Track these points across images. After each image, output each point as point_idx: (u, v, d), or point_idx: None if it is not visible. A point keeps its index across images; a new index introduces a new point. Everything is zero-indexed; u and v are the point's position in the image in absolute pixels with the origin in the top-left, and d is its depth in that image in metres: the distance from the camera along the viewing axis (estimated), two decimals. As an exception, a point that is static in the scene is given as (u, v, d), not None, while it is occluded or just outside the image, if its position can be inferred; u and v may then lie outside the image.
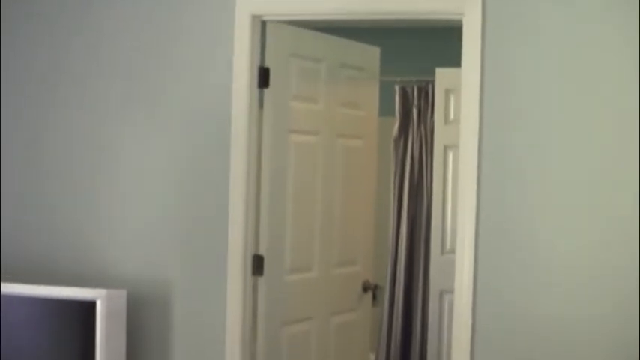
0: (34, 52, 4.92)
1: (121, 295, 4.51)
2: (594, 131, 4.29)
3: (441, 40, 7.82)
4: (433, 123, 7.19)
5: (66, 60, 4.88)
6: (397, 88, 7.52)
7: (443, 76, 6.80)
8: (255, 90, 4.73)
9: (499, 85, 4.39)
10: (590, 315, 4.30)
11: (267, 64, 4.80)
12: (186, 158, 4.75)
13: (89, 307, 4.45)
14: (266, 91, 4.80)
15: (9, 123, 4.96)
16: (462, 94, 4.45)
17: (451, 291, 6.57)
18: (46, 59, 4.91)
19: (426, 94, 7.44)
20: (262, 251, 4.82)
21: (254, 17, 4.68)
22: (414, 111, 7.44)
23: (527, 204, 4.37)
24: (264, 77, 4.77)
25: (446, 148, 6.78)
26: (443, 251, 6.78)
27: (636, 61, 4.23)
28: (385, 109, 7.66)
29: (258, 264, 4.80)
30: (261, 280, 4.82)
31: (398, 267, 7.50)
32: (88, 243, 4.87)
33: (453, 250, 6.68)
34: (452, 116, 6.76)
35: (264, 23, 4.76)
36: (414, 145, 7.44)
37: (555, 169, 4.34)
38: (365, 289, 5.57)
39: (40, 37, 4.91)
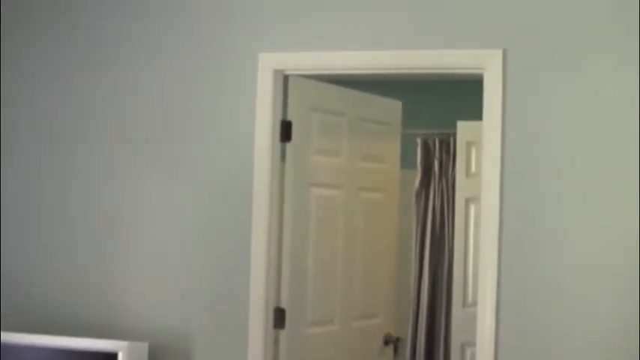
0: (56, 99, 4.98)
1: (143, 347, 4.51)
2: (616, 185, 4.29)
3: (463, 93, 7.86)
4: (454, 176, 7.20)
5: (90, 111, 4.93)
6: (419, 140, 7.54)
7: (464, 129, 6.82)
8: (277, 144, 4.76)
9: (520, 139, 4.41)
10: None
11: (290, 117, 4.84)
12: (210, 211, 4.77)
13: (111, 359, 4.45)
14: (288, 145, 4.83)
15: (31, 172, 5.00)
16: (483, 147, 4.46)
17: (473, 344, 6.54)
18: (69, 108, 4.96)
19: (448, 146, 7.46)
20: (284, 304, 4.82)
21: (276, 72, 4.72)
22: (436, 163, 7.46)
23: (549, 258, 4.36)
24: (286, 131, 4.81)
25: (467, 201, 6.78)
26: (465, 304, 6.76)
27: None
28: (407, 162, 7.68)
29: (279, 317, 4.79)
30: (282, 333, 4.82)
31: (419, 320, 7.47)
32: (111, 294, 4.88)
33: (474, 303, 6.65)
34: (473, 169, 6.76)
35: (286, 78, 4.81)
36: (436, 197, 7.44)
37: (577, 224, 4.34)
38: (386, 342, 5.55)
39: (61, 82, 4.97)
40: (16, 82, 5.02)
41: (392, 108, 5.58)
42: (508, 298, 4.41)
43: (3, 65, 5.03)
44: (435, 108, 7.95)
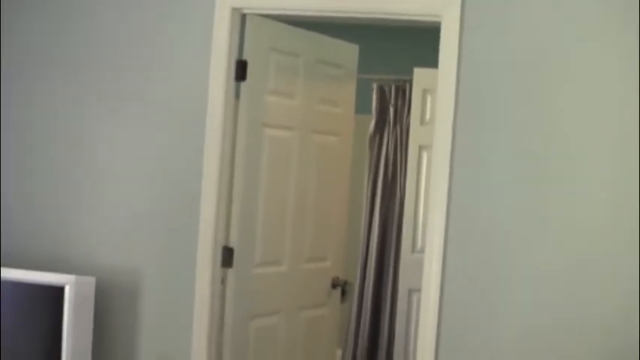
0: (13, 37, 4.92)
1: (90, 282, 4.51)
2: (570, 133, 4.33)
3: (421, 40, 7.85)
4: (409, 122, 7.21)
5: (49, 49, 4.87)
6: (375, 86, 7.54)
7: (421, 76, 6.82)
8: (232, 83, 4.74)
9: (475, 87, 4.42)
10: (556, 317, 4.35)
11: (245, 57, 4.81)
12: (161, 148, 4.75)
13: (58, 292, 4.45)
14: (243, 84, 4.81)
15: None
16: (437, 94, 4.47)
17: (420, 290, 6.60)
18: (28, 54, 4.90)
19: (403, 93, 7.46)
20: (232, 243, 4.83)
21: (234, 10, 4.68)
22: (391, 110, 7.47)
23: (498, 206, 4.40)
24: (241, 70, 4.78)
25: (421, 148, 6.81)
26: (413, 250, 6.81)
27: (621, 62, 4.28)
28: (362, 107, 7.68)
29: (227, 256, 4.81)
30: (230, 272, 4.83)
31: (368, 264, 7.52)
32: (61, 230, 4.86)
33: (423, 250, 6.70)
34: (428, 117, 6.78)
35: (243, 16, 4.77)
36: (390, 143, 7.46)
37: (528, 172, 4.37)
38: (334, 285, 5.59)
39: (20, 18, 4.90)
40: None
41: (349, 51, 5.56)
42: (455, 246, 4.45)
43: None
44: (393, 54, 7.94)
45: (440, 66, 4.47)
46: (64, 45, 4.85)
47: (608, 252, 4.29)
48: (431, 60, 6.98)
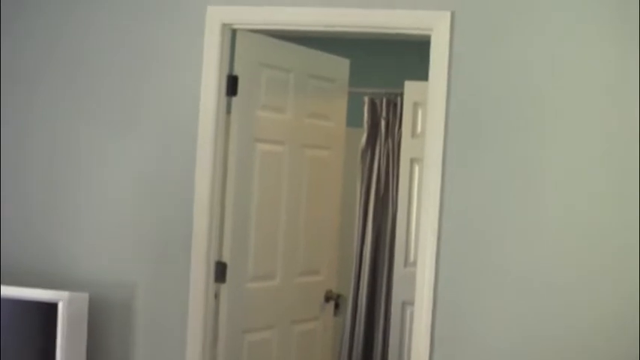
0: (14, 45, 4.92)
1: (83, 298, 4.51)
2: (562, 144, 4.34)
3: (412, 54, 7.85)
4: (400, 136, 7.22)
5: (46, 64, 4.88)
6: (366, 99, 7.54)
7: (411, 89, 6.83)
8: (224, 98, 4.75)
9: (465, 101, 4.44)
10: (551, 326, 4.35)
11: (236, 72, 4.83)
12: (153, 163, 4.76)
13: (51, 309, 4.45)
14: (234, 99, 4.82)
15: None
16: (428, 107, 4.49)
17: (413, 303, 6.60)
18: (25, 66, 4.91)
19: (395, 106, 7.47)
20: (225, 258, 4.84)
21: (224, 25, 4.70)
22: (382, 123, 7.47)
23: (491, 217, 4.41)
24: (232, 85, 4.80)
25: (412, 161, 6.82)
26: (406, 263, 6.81)
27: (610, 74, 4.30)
28: (353, 120, 7.68)
29: (221, 271, 4.81)
30: (223, 287, 4.84)
31: (361, 277, 7.52)
32: (53, 245, 4.86)
33: (416, 263, 6.70)
34: (419, 129, 6.79)
35: (234, 32, 4.79)
36: (381, 157, 7.47)
37: (519, 183, 4.39)
38: (327, 298, 5.60)
39: (21, 26, 4.91)
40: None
41: (340, 66, 5.58)
42: (447, 259, 4.46)
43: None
44: (384, 67, 7.95)
45: (430, 79, 4.49)
46: (56, 59, 4.86)
47: (604, 263, 4.30)
48: (421, 73, 7.00)
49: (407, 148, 6.83)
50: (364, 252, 7.50)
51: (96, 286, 4.81)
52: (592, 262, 4.31)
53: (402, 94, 7.20)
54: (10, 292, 4.49)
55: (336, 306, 5.67)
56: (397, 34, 4.61)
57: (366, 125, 7.53)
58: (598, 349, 4.30)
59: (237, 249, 4.89)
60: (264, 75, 5.00)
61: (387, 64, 7.96)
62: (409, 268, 6.77)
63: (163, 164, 4.75)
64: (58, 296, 4.45)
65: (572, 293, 4.33)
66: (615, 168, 4.29)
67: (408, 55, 7.88)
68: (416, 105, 6.81)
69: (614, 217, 4.29)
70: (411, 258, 6.79)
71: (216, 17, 4.68)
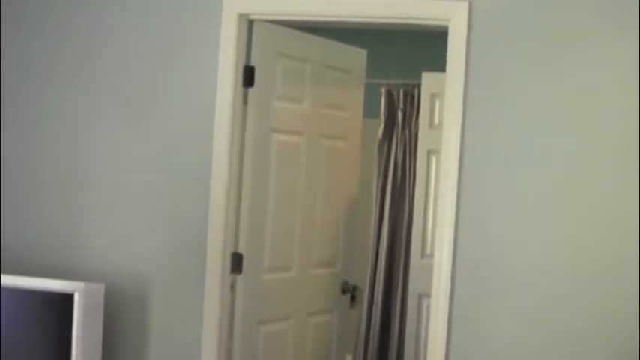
0: (26, 40, 4.92)
1: (99, 288, 4.51)
2: (578, 136, 4.32)
3: (430, 44, 7.84)
4: (418, 127, 7.20)
5: (59, 57, 4.88)
6: (383, 90, 7.53)
7: (429, 80, 6.81)
8: (240, 89, 4.74)
9: (483, 91, 4.41)
10: (566, 322, 4.34)
11: (253, 63, 4.81)
12: (170, 154, 4.76)
13: (67, 299, 4.45)
14: (251, 90, 4.81)
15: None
16: (445, 98, 4.47)
17: (430, 295, 6.59)
18: (39, 59, 4.91)
19: (412, 97, 7.45)
20: (242, 249, 4.83)
21: (241, 16, 4.69)
22: (399, 114, 7.46)
23: (507, 210, 4.39)
24: (249, 76, 4.78)
25: (429, 153, 6.80)
26: (423, 255, 6.80)
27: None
28: (370, 112, 7.68)
29: (237, 262, 4.81)
30: (239, 278, 4.83)
31: (378, 269, 7.51)
32: (70, 237, 4.87)
33: (433, 254, 6.69)
34: (436, 121, 6.77)
35: (251, 22, 4.78)
36: (398, 148, 7.45)
37: (537, 175, 4.36)
38: (344, 290, 5.58)
39: (33, 23, 4.91)
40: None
41: (357, 56, 5.56)
42: (464, 250, 4.44)
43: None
44: (401, 58, 7.93)
45: (448, 70, 4.46)
46: (70, 52, 4.86)
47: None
48: (439, 64, 6.99)
49: (424, 139, 6.81)
50: (381, 244, 7.49)
51: (112, 276, 4.82)
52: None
53: (419, 85, 7.18)
54: (27, 282, 4.50)
55: (352, 298, 5.66)
56: (415, 25, 4.59)
57: (383, 116, 7.51)
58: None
59: (254, 240, 4.88)
60: (281, 65, 4.99)
61: (404, 55, 7.94)
62: (426, 260, 6.76)
63: (180, 155, 4.74)
64: (74, 287, 4.45)
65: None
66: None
67: (425, 46, 7.86)
68: (433, 96, 6.78)
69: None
70: (428, 250, 6.77)
71: (232, 8, 4.67)
